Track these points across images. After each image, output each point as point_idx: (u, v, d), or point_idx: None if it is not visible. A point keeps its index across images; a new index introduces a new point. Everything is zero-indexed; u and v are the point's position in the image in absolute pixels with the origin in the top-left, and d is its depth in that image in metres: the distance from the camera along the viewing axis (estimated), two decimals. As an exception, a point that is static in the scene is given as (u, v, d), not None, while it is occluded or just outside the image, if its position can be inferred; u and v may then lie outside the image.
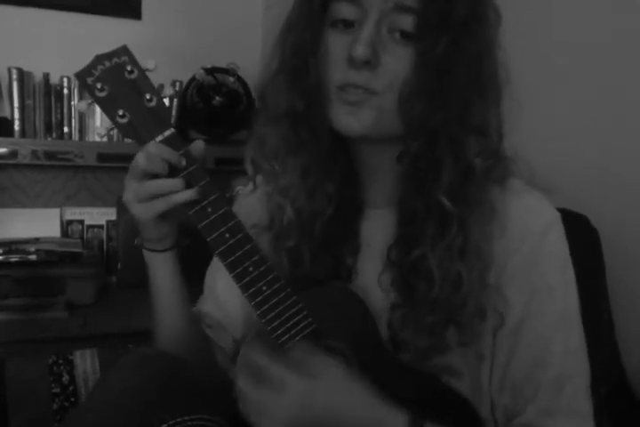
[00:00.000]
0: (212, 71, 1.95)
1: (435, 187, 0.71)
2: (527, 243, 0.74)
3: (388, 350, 0.76)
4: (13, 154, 1.77)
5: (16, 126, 1.84)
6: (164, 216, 0.75)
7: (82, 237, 2.01)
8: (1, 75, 1.85)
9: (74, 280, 1.66)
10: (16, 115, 1.84)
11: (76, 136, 1.92)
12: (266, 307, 0.71)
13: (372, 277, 0.78)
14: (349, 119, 0.72)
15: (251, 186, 0.88)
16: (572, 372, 0.74)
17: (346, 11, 0.71)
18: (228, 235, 0.71)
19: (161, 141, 0.72)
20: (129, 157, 0.74)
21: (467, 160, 0.71)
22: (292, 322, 0.72)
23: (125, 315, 1.60)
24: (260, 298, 0.71)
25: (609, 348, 1.12)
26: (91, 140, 1.93)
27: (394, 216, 0.78)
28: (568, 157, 1.28)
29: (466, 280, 0.71)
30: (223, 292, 0.90)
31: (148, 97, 0.71)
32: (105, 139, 1.89)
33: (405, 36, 0.69)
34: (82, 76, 0.71)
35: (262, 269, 0.72)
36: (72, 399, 1.46)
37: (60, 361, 1.47)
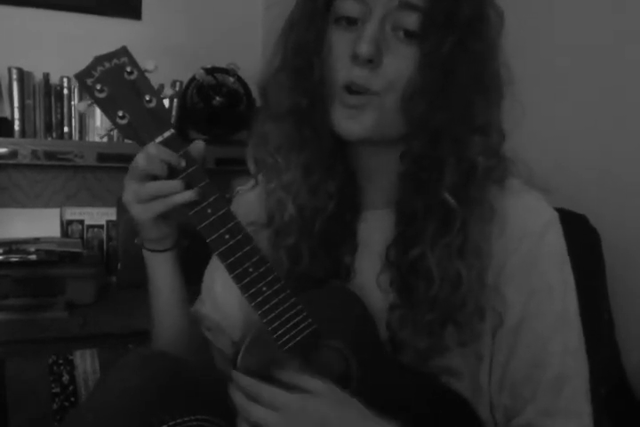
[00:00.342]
0: (212, 71, 1.95)
1: (438, 186, 0.71)
2: (526, 243, 0.74)
3: (388, 351, 0.75)
4: (13, 154, 1.77)
5: (16, 126, 1.84)
6: (163, 217, 0.75)
7: (82, 237, 2.01)
8: (1, 75, 1.85)
9: (74, 280, 1.66)
10: (16, 115, 1.84)
11: (76, 136, 1.92)
12: (266, 307, 0.71)
13: (370, 277, 0.78)
14: (349, 123, 0.72)
15: (250, 184, 0.88)
16: (571, 372, 0.74)
17: (350, 8, 0.71)
18: (227, 236, 0.71)
19: (160, 143, 0.72)
20: (129, 158, 0.74)
21: (469, 160, 0.71)
22: (292, 323, 0.72)
23: (125, 315, 1.60)
24: (261, 299, 0.71)
25: (609, 348, 1.12)
26: (91, 140, 1.93)
27: (392, 217, 0.78)
28: (568, 158, 1.28)
29: (465, 280, 0.71)
30: (221, 293, 0.89)
31: (147, 98, 0.72)
32: (105, 139, 1.89)
33: (409, 34, 0.69)
34: (81, 77, 0.71)
35: (262, 269, 0.72)
36: (72, 399, 1.46)
37: (60, 361, 1.47)
